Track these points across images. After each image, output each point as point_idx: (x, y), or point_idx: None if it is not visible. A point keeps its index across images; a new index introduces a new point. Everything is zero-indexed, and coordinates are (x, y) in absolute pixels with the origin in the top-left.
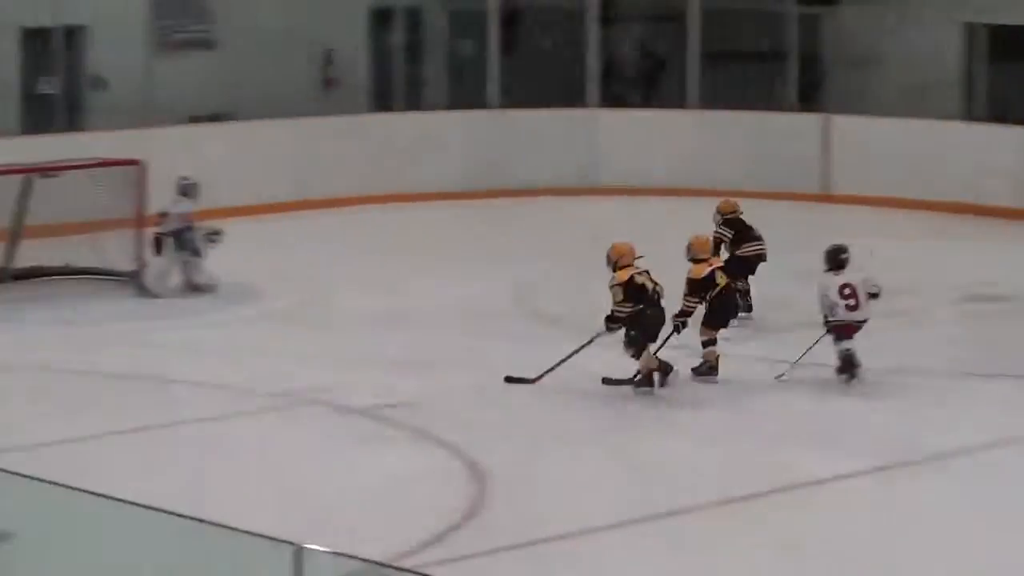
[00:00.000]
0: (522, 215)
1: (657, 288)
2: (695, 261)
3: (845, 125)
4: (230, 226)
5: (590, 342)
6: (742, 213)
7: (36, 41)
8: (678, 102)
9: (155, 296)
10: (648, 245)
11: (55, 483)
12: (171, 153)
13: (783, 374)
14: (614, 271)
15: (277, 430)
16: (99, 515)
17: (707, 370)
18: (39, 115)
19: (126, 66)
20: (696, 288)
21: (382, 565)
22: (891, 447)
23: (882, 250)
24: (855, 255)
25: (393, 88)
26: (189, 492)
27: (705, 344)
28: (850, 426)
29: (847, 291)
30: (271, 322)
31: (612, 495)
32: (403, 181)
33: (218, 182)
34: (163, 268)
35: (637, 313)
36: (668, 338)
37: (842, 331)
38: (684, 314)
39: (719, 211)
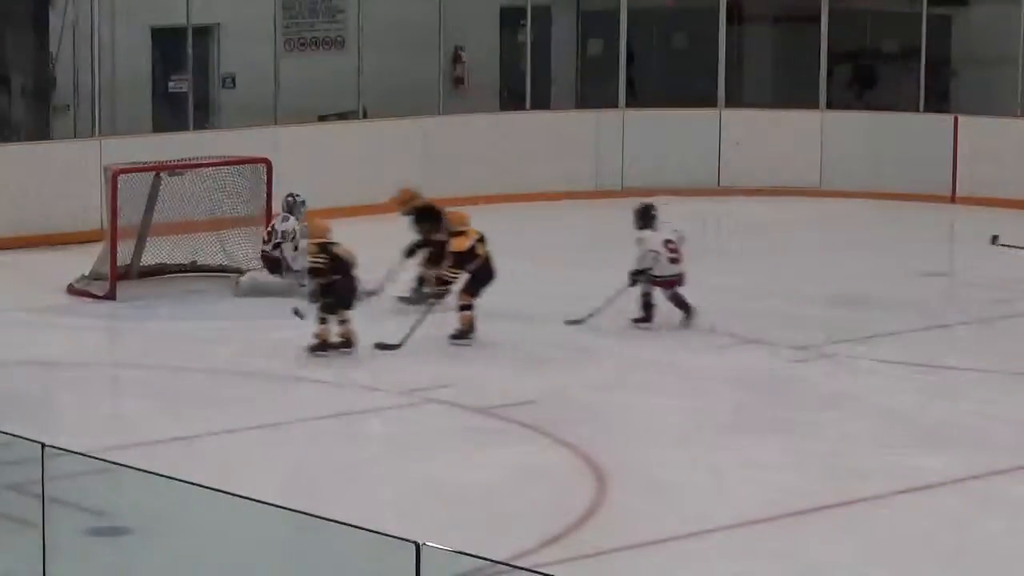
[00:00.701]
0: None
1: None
2: (454, 234)
3: (973, 126)
4: (357, 223)
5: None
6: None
7: (167, 40)
8: (806, 103)
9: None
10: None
11: (175, 479)
12: (299, 152)
13: (579, 319)
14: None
15: (399, 428)
16: (219, 511)
17: (461, 334)
18: (170, 113)
19: (255, 65)
20: (457, 260)
21: (502, 564)
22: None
23: (1011, 252)
24: (662, 212)
25: (522, 87)
26: (311, 489)
27: (462, 308)
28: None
29: (671, 246)
30: (393, 319)
31: (730, 495)
32: (531, 180)
33: (346, 181)
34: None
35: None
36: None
37: (667, 285)
38: (443, 283)
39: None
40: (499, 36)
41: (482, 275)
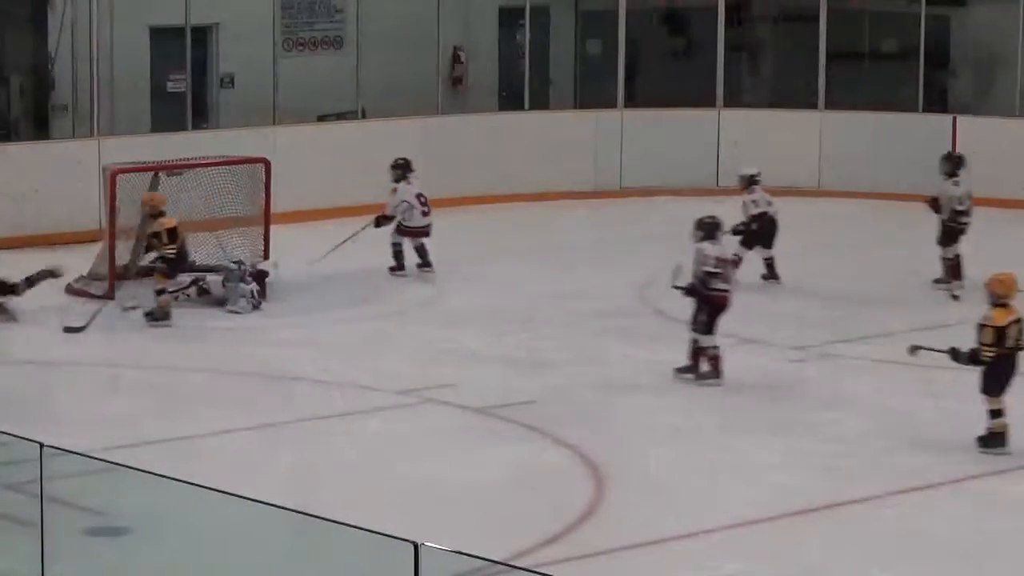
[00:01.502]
0: (646, 215)
1: None
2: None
3: (971, 126)
4: (354, 223)
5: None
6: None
7: (166, 39)
8: (807, 103)
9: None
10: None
11: (174, 479)
12: (298, 152)
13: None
14: None
15: (398, 427)
16: (218, 511)
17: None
18: (168, 113)
19: (254, 64)
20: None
21: (501, 564)
22: None
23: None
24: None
25: (521, 87)
26: (311, 489)
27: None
28: None
29: (422, 199)
30: (395, 320)
31: (729, 495)
32: (529, 180)
33: (344, 181)
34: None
35: None
36: None
37: (414, 235)
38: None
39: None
40: (498, 36)
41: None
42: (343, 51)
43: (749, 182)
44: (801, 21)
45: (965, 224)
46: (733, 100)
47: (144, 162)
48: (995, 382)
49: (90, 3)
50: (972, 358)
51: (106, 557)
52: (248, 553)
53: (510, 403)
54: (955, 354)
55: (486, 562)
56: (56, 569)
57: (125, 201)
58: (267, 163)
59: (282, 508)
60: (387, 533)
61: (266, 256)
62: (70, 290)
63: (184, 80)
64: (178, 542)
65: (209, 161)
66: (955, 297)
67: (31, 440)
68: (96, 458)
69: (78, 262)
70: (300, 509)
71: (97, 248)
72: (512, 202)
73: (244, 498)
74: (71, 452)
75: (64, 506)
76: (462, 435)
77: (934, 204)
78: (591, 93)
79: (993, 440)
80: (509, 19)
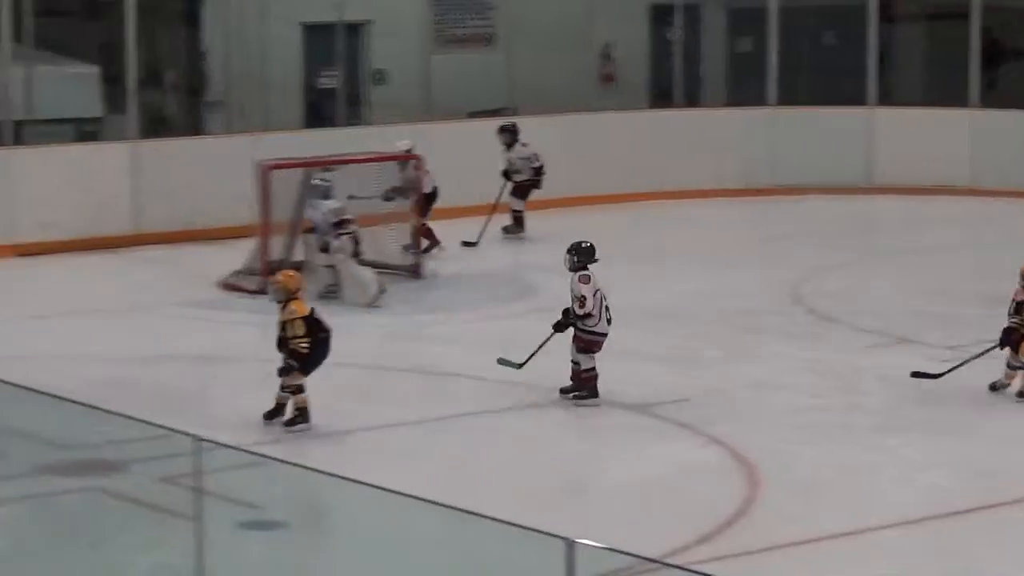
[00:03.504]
0: (797, 213)
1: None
2: None
3: None
4: (503, 221)
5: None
6: None
7: (319, 36)
8: (958, 101)
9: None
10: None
11: (329, 473)
12: (448, 148)
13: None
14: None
15: (551, 425)
16: (373, 506)
17: None
18: (320, 109)
19: (406, 61)
20: None
21: (654, 561)
22: None
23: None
24: None
25: (672, 85)
26: (466, 485)
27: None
28: None
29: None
30: (544, 317)
31: (883, 495)
32: (679, 178)
33: (494, 178)
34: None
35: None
36: None
37: None
38: None
39: None
40: (649, 33)
41: None
42: (494, 48)
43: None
44: (953, 18)
45: None
46: (884, 98)
47: (296, 158)
48: None
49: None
50: None
51: (260, 551)
52: (402, 548)
53: (663, 401)
54: None
55: (639, 559)
56: (211, 561)
57: (278, 196)
58: (418, 159)
59: (437, 504)
60: (541, 529)
61: (418, 256)
62: (224, 285)
63: (336, 76)
64: (332, 537)
65: (361, 157)
66: None
67: (186, 434)
68: (250, 452)
69: (232, 258)
70: (455, 505)
71: (250, 243)
72: (662, 199)
73: (399, 493)
74: (226, 446)
75: (219, 499)
76: (615, 433)
77: None
78: (742, 90)
79: None
80: (660, 16)
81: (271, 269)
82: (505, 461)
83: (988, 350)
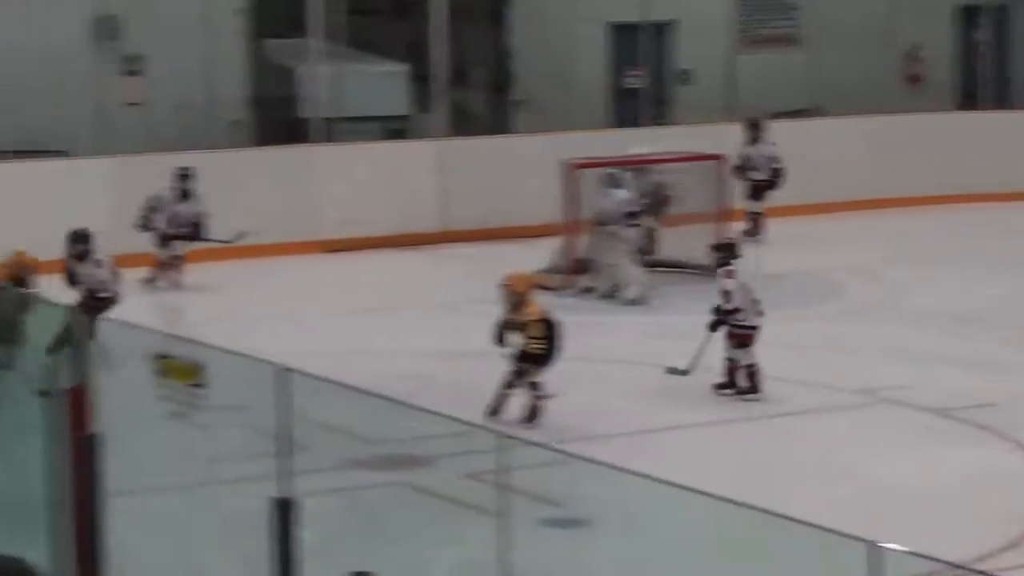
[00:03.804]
0: None
1: None
2: None
3: None
4: (811, 222)
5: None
6: None
7: (624, 35)
8: None
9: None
10: None
11: (632, 472)
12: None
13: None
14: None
15: (854, 426)
16: (675, 505)
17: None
18: (626, 109)
19: (711, 61)
20: None
21: (959, 567)
22: None
23: None
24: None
25: (978, 86)
26: (759, 486)
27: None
28: None
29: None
30: (850, 319)
31: None
32: (987, 180)
33: (799, 179)
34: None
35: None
36: None
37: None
38: None
39: None
40: (955, 34)
41: None
42: (799, 48)
43: None
44: None
45: None
46: None
47: (602, 157)
48: None
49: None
50: None
51: (562, 548)
52: (702, 548)
53: (968, 405)
54: None
55: (943, 564)
56: (512, 558)
57: (584, 195)
58: (723, 160)
59: (740, 504)
60: (841, 532)
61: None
62: None
63: (642, 77)
64: (634, 535)
65: (665, 157)
66: None
67: (489, 429)
68: (554, 449)
69: (537, 256)
70: (755, 505)
71: (555, 242)
72: (968, 202)
73: (702, 493)
74: (530, 443)
75: (523, 496)
76: (919, 436)
77: None
78: None
79: None
80: (967, 17)
81: (577, 267)
82: (806, 462)
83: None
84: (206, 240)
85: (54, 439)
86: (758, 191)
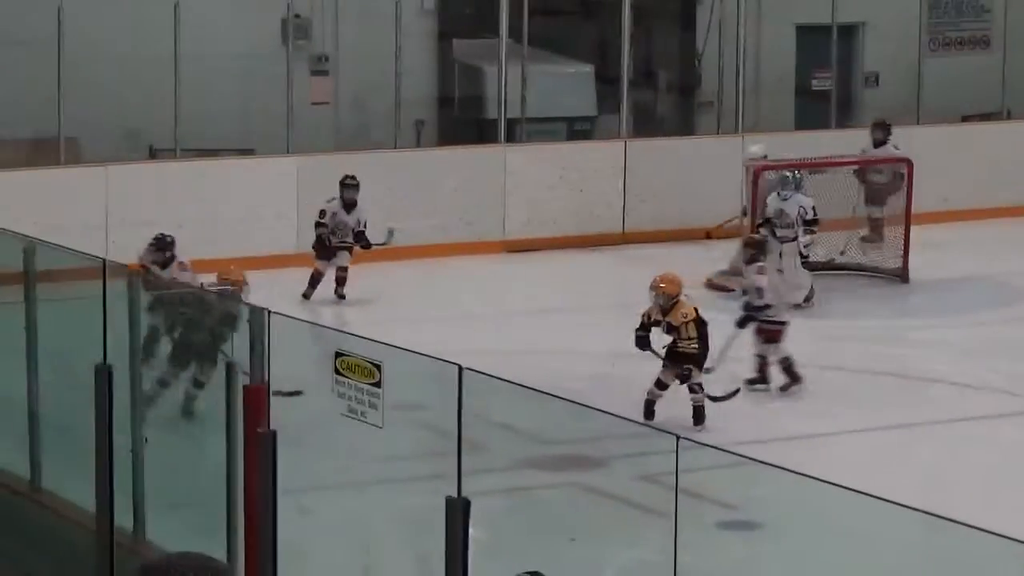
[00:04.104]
0: None
1: None
2: None
3: None
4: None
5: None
6: None
7: (812, 37)
8: None
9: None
10: None
11: (809, 476)
12: (940, 152)
13: None
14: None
15: None
16: (850, 510)
17: None
18: (812, 111)
19: (899, 63)
20: None
21: None
22: None
23: None
24: None
25: None
26: (940, 491)
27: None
28: None
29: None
30: None
31: None
32: None
33: (987, 182)
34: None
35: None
36: None
37: None
38: None
39: None
40: None
41: None
42: (990, 51)
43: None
44: None
45: None
46: None
47: (787, 159)
48: None
49: (739, 1)
50: None
51: (737, 551)
52: (876, 554)
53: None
54: None
55: None
56: (688, 560)
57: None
58: (910, 163)
59: (915, 509)
60: (1020, 539)
61: (905, 259)
62: (709, 284)
63: (830, 78)
64: (808, 540)
65: (852, 160)
66: None
67: (667, 432)
68: (731, 452)
69: (718, 257)
70: (931, 511)
71: (738, 243)
72: None
73: (877, 498)
74: (705, 445)
75: (698, 499)
76: None
77: None
78: None
79: None
80: None
81: (733, 271)
82: (985, 468)
83: None
84: (367, 247)
85: (232, 438)
86: (879, 196)
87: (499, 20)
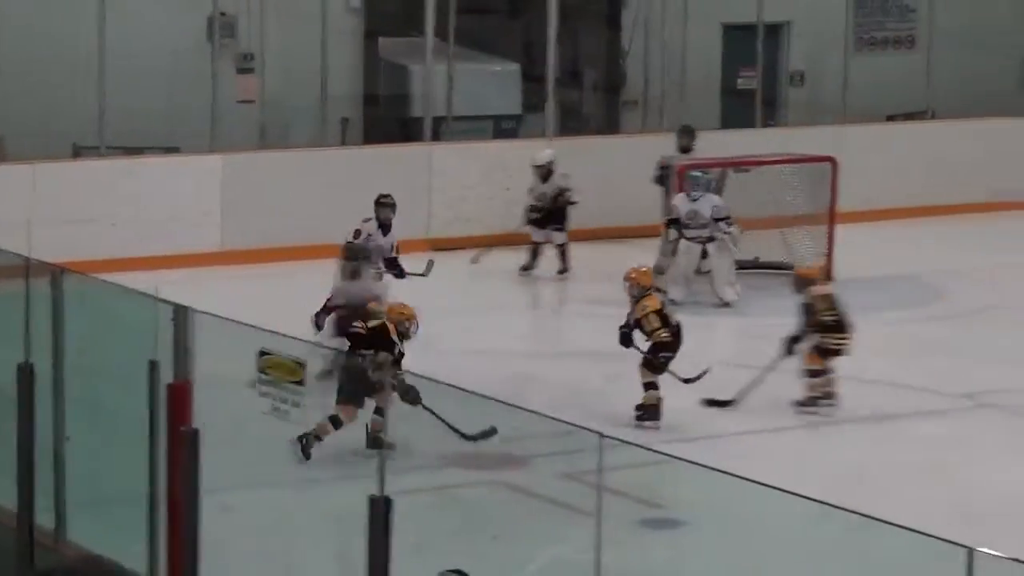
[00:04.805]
0: None
1: None
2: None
3: None
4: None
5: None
6: None
7: (738, 37)
8: None
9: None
10: None
11: (731, 474)
12: (864, 151)
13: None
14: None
15: (955, 431)
16: (770, 507)
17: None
18: (737, 110)
19: (824, 62)
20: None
21: None
22: None
23: None
24: None
25: None
26: (860, 489)
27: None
28: None
29: None
30: (955, 322)
31: None
32: None
33: (911, 182)
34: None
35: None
36: None
37: None
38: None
39: None
40: None
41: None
42: (915, 51)
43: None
44: None
45: None
46: None
47: (712, 157)
48: None
49: (664, 1)
50: None
51: (660, 549)
52: (798, 552)
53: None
54: None
55: None
56: (609, 559)
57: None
58: (834, 162)
59: (837, 507)
60: (939, 536)
61: (829, 258)
62: None
63: (754, 77)
64: (731, 537)
65: (775, 159)
66: None
67: (590, 430)
68: (654, 450)
69: (642, 256)
70: (852, 508)
71: (659, 243)
72: None
73: (798, 495)
74: (630, 443)
75: (621, 497)
76: (1021, 441)
77: None
78: None
79: None
80: None
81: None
82: (903, 466)
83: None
84: (400, 276)
85: (155, 436)
86: None
87: (425, 19)
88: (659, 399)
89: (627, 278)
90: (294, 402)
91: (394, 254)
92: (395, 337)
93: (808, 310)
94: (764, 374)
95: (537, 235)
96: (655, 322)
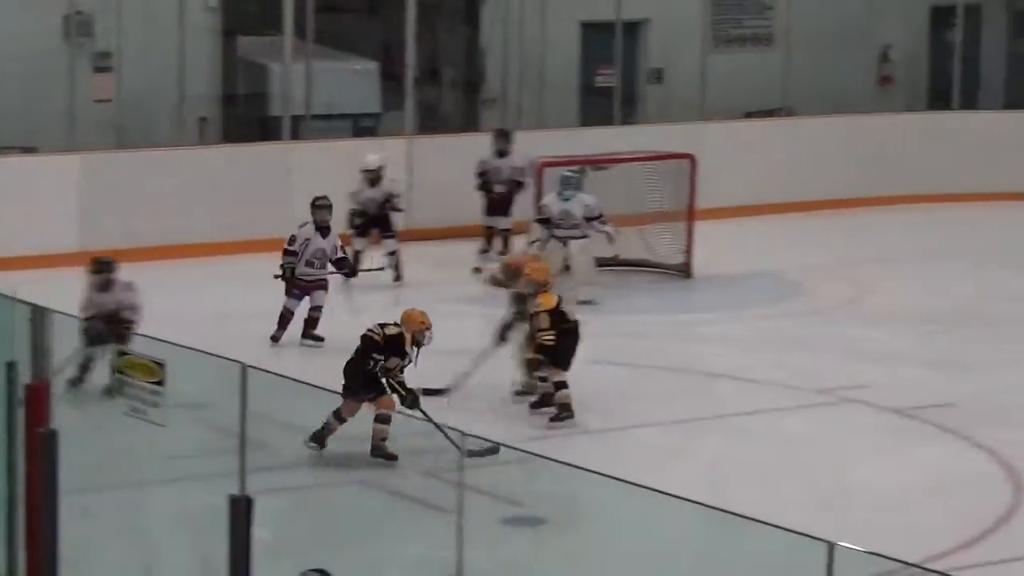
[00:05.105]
0: None
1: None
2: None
3: None
4: (780, 220)
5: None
6: None
7: (596, 34)
8: None
9: None
10: None
11: (591, 471)
12: (724, 148)
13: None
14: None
15: (815, 426)
16: (634, 504)
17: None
18: (596, 107)
19: (682, 60)
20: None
21: (915, 567)
22: None
23: None
24: None
25: (951, 87)
26: (725, 485)
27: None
28: None
29: None
30: (814, 318)
31: None
32: (958, 182)
33: (770, 178)
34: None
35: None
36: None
37: None
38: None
39: None
40: (929, 35)
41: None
42: (772, 48)
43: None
44: None
45: None
46: None
47: (570, 155)
48: None
49: None
50: None
51: (522, 547)
52: (661, 546)
53: (929, 405)
54: None
55: (900, 564)
56: (471, 556)
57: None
58: (692, 159)
59: (698, 503)
60: (801, 532)
61: (689, 255)
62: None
63: (613, 75)
64: (593, 534)
65: (635, 156)
66: None
67: (450, 428)
68: (515, 448)
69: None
70: (713, 504)
71: (520, 240)
72: (939, 203)
73: (661, 492)
74: (490, 442)
75: (482, 495)
76: (879, 436)
77: None
78: (1022, 93)
79: None
80: (940, 18)
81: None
82: (766, 462)
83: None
84: (351, 275)
85: (13, 438)
86: (503, 205)
87: (284, 17)
88: (570, 397)
89: (525, 275)
90: (153, 402)
91: (340, 254)
92: (408, 347)
93: (519, 300)
94: (477, 363)
95: (358, 243)
96: (544, 322)
